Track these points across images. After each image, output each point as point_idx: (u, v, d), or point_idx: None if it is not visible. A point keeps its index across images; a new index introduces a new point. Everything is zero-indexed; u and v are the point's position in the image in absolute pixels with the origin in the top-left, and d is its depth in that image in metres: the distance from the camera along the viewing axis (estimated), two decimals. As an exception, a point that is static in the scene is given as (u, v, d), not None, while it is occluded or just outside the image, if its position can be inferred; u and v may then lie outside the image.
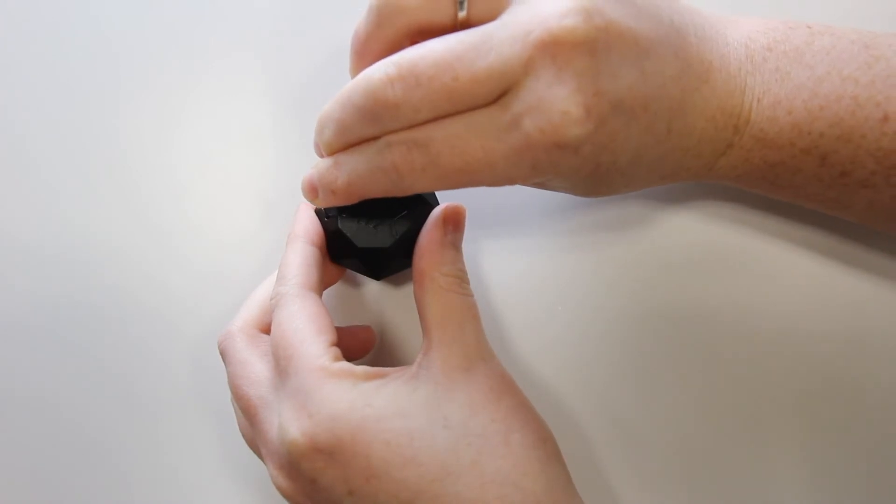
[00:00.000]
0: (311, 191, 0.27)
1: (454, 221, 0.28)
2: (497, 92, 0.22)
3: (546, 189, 0.28)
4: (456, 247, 0.29)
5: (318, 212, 0.32)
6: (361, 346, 0.33)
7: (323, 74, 0.36)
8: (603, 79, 0.22)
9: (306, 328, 0.26)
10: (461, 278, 0.28)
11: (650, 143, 0.25)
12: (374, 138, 0.24)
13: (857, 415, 0.31)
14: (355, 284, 0.35)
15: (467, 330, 0.26)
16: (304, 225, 0.30)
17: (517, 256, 0.34)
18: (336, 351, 0.26)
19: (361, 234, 0.30)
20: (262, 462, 0.29)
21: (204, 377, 0.36)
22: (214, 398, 0.35)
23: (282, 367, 0.26)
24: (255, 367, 0.28)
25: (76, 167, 0.37)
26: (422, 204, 0.31)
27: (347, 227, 0.30)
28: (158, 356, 0.36)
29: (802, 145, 0.25)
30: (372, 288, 0.35)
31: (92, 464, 0.36)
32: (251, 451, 0.30)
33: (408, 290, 0.35)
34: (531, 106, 0.22)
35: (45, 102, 0.38)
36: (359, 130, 0.24)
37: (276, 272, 0.30)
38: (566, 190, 0.27)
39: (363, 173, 0.25)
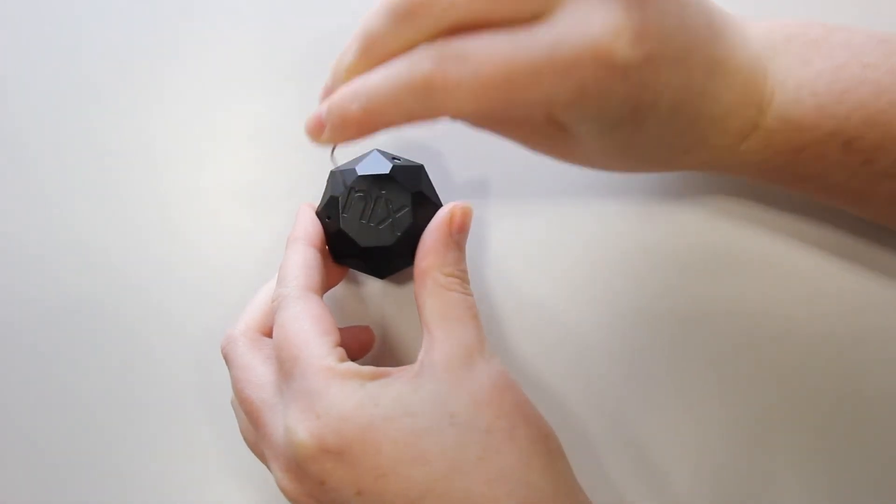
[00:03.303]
0: (317, 127, 0.24)
1: (461, 221, 0.28)
2: (546, 6, 0.21)
3: (566, 156, 0.27)
4: (460, 247, 0.29)
5: (319, 213, 0.31)
6: (361, 346, 0.33)
7: (323, 75, 0.36)
8: (651, 11, 0.22)
9: (310, 329, 0.26)
10: (462, 278, 0.28)
11: (686, 97, 0.24)
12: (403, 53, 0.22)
13: (863, 416, 0.31)
14: (357, 283, 0.35)
15: (468, 328, 0.27)
16: (305, 227, 0.30)
17: (518, 258, 0.34)
18: (341, 352, 0.26)
19: (364, 233, 0.30)
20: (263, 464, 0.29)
21: (204, 378, 0.36)
22: (215, 399, 0.35)
23: (286, 368, 0.26)
24: (258, 371, 0.28)
25: (76, 168, 0.37)
26: (424, 200, 0.30)
27: (349, 226, 0.30)
28: (158, 356, 0.36)
29: (827, 128, 0.25)
30: (374, 287, 0.35)
31: (94, 463, 0.36)
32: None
33: (410, 289, 0.34)
34: (583, 23, 0.21)
35: (48, 102, 0.37)
36: (389, 40, 0.22)
37: (277, 275, 0.30)
38: (592, 150, 0.26)
39: (386, 93, 0.22)
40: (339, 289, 0.35)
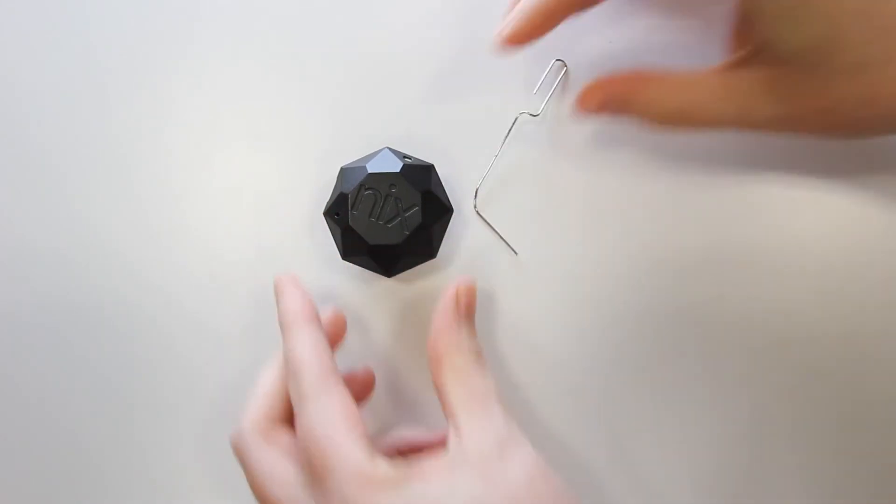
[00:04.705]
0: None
1: (466, 301, 0.29)
2: None
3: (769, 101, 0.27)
4: (470, 320, 0.29)
5: (326, 213, 0.31)
6: (362, 389, 0.33)
7: (329, 75, 0.36)
8: None
9: (339, 426, 0.25)
10: (477, 357, 0.28)
11: None
12: None
13: (865, 417, 0.31)
14: (364, 281, 0.35)
15: (494, 415, 0.26)
16: (297, 304, 0.29)
17: (521, 262, 0.34)
18: (371, 448, 0.25)
19: (373, 230, 0.30)
20: None
21: (215, 373, 0.35)
22: (226, 396, 0.35)
23: (318, 474, 0.25)
24: (278, 467, 0.27)
25: (93, 169, 0.37)
26: (433, 199, 0.31)
27: (358, 223, 0.30)
28: (166, 354, 0.36)
29: None
30: (381, 285, 0.35)
31: (106, 458, 0.36)
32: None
33: (418, 287, 0.34)
34: None
35: (56, 102, 0.37)
36: None
37: (277, 358, 0.30)
38: (790, 66, 0.26)
39: None
40: (346, 288, 0.35)
